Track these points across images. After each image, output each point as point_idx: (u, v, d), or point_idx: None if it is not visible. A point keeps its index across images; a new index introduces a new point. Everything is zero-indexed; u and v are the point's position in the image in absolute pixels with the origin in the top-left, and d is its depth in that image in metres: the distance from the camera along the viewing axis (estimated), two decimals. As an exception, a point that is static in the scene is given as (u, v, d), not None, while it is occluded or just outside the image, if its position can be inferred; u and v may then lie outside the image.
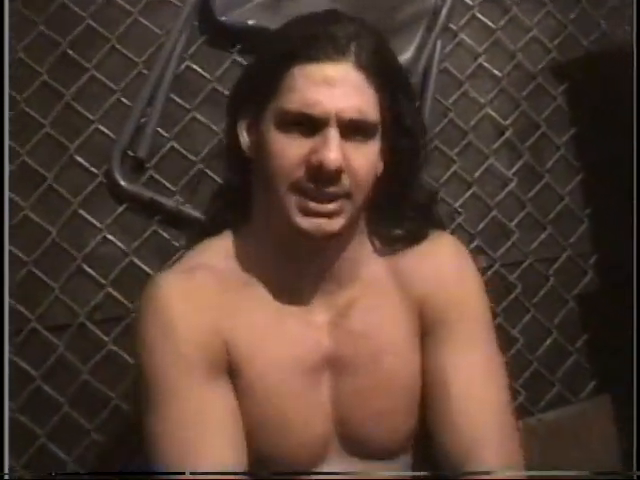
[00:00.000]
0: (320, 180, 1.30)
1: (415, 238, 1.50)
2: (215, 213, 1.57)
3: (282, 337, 1.42)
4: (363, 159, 1.34)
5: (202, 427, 1.34)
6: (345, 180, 1.32)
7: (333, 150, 1.28)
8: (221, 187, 1.62)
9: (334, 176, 1.30)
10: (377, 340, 1.45)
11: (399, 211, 1.50)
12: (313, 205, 1.32)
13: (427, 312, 1.48)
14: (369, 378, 1.44)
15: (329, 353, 1.44)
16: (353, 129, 1.32)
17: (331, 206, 1.32)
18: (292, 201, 1.32)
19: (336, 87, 1.31)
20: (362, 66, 1.32)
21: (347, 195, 1.33)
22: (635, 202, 1.53)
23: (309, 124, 1.31)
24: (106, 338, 2.00)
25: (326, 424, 1.44)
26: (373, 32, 1.39)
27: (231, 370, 1.40)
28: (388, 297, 1.48)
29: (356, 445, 1.46)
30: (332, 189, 1.31)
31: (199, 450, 1.33)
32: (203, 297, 1.41)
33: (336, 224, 1.33)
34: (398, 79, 1.41)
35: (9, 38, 1.85)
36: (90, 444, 1.98)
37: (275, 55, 1.37)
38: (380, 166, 1.42)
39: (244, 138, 1.43)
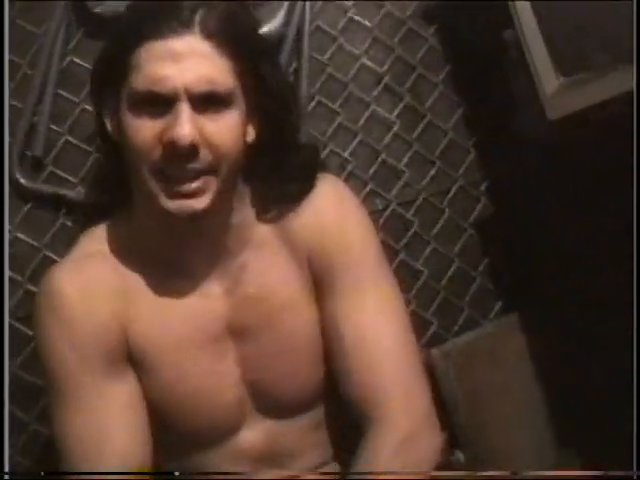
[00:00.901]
0: (177, 158, 1.30)
1: (299, 197, 1.51)
2: (97, 199, 1.59)
3: (180, 313, 1.45)
4: (222, 130, 1.33)
5: (103, 423, 1.38)
6: (205, 155, 1.32)
7: (184, 125, 1.28)
8: (99, 172, 1.66)
9: (190, 152, 1.30)
10: (273, 301, 1.48)
11: (282, 173, 1.50)
12: (176, 186, 1.32)
13: (314, 264, 1.50)
14: (271, 340, 1.48)
15: (229, 321, 1.47)
16: (206, 101, 1.31)
17: (194, 185, 1.32)
18: (155, 184, 1.33)
19: (182, 61, 1.30)
20: (210, 36, 1.31)
21: (211, 170, 1.33)
22: (635, 186, 1.60)
23: (159, 102, 1.31)
24: (31, 333, 2.01)
25: (237, 390, 1.49)
26: (223, 1, 1.38)
27: (133, 354, 1.44)
28: (278, 257, 1.50)
29: (270, 405, 1.51)
30: (192, 165, 1.31)
31: (101, 448, 1.37)
32: (96, 286, 1.43)
33: (202, 202, 1.34)
34: (253, 43, 1.40)
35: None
36: (31, 435, 2.06)
37: (122, 36, 1.36)
38: (251, 132, 1.43)
39: (109, 124, 1.42)
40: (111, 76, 1.38)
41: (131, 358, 1.45)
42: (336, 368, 1.49)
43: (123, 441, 1.39)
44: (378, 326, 1.48)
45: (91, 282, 1.44)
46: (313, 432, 1.56)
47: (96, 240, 1.51)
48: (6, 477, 1.71)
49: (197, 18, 1.31)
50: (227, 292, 1.49)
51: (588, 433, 2.27)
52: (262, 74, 1.41)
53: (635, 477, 1.23)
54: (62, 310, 1.42)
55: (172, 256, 1.47)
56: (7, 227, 1.85)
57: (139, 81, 1.32)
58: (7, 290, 1.73)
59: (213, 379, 1.48)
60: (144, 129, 1.32)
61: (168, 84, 1.30)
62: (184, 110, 1.30)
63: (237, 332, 1.49)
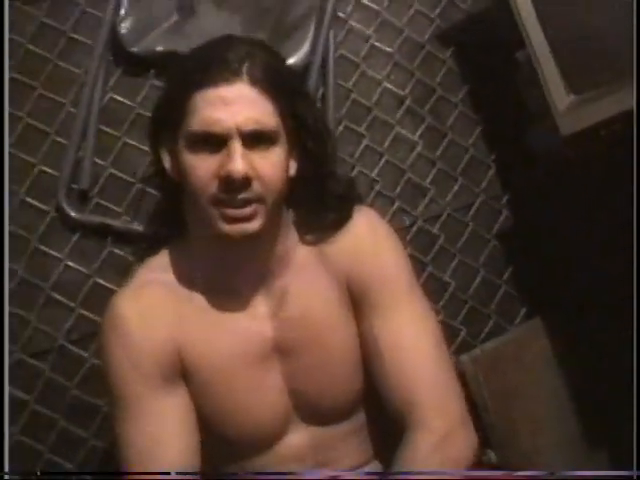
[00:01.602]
0: (232, 189, 1.44)
1: (338, 224, 1.64)
2: (155, 231, 1.71)
3: (229, 333, 1.58)
4: (269, 164, 1.47)
5: (158, 434, 1.51)
6: (256, 186, 1.45)
7: (237, 161, 1.42)
8: (157, 207, 1.77)
9: (243, 184, 1.43)
10: (313, 321, 1.60)
11: (322, 202, 1.63)
12: (231, 212, 1.46)
13: (352, 287, 1.62)
14: (313, 356, 1.59)
15: (274, 339, 1.59)
16: (255, 139, 1.45)
17: (246, 210, 1.46)
18: (214, 212, 1.46)
19: (233, 105, 1.44)
20: (255, 83, 1.45)
21: (259, 199, 1.46)
22: (635, 191, 1.68)
23: (214, 141, 1.45)
24: (85, 354, 2.16)
25: (282, 402, 1.60)
26: (264, 49, 1.54)
27: (186, 373, 1.56)
28: (318, 279, 1.62)
29: (312, 415, 1.63)
30: (244, 195, 1.45)
31: (155, 455, 1.49)
32: (154, 311, 1.56)
33: (254, 225, 1.47)
34: (292, 87, 1.55)
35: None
36: (90, 451, 2.15)
37: (178, 85, 1.52)
38: (293, 166, 1.56)
39: (167, 163, 1.56)
40: (169, 120, 1.52)
41: (185, 375, 1.57)
42: (376, 377, 1.60)
43: (175, 449, 1.51)
44: (413, 337, 1.60)
45: (148, 307, 1.57)
46: (353, 436, 1.67)
47: (153, 269, 1.64)
48: (6, 477, 1.77)
49: (244, 68, 1.46)
50: (272, 312, 1.61)
51: (615, 431, 2.36)
52: (301, 114, 1.55)
53: (635, 477, 1.25)
54: (123, 332, 1.55)
55: (222, 280, 1.60)
56: (7, 229, 1.93)
57: (196, 123, 1.46)
58: (7, 290, 1.81)
59: (260, 393, 1.60)
60: (202, 165, 1.47)
61: (221, 125, 1.44)
62: (237, 147, 1.44)
63: (282, 349, 1.61)
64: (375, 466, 1.69)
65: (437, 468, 1.47)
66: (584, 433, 2.39)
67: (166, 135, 1.55)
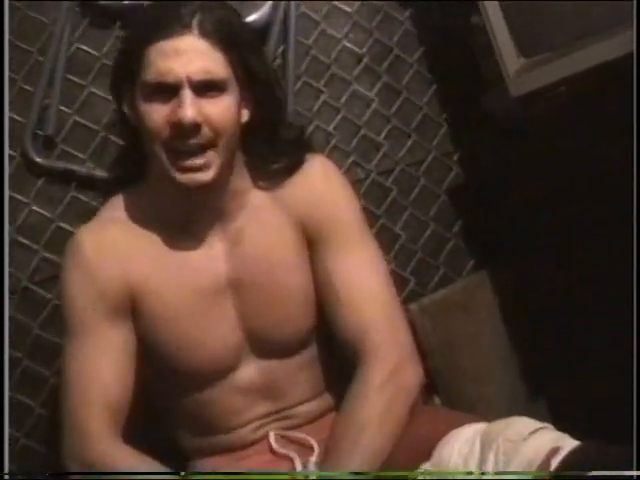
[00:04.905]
0: (182, 135, 1.54)
1: (290, 170, 1.75)
2: (117, 174, 1.83)
3: (183, 270, 1.68)
4: (218, 110, 1.57)
5: (96, 359, 1.64)
6: (205, 131, 1.56)
7: (187, 108, 1.53)
8: (119, 152, 1.88)
9: (192, 129, 1.54)
10: (269, 260, 1.70)
11: (273, 148, 1.74)
12: (185, 162, 1.56)
13: (308, 229, 1.73)
14: (266, 292, 1.70)
15: (228, 276, 1.69)
16: (205, 88, 1.56)
17: (200, 160, 1.57)
18: (167, 158, 1.57)
19: (184, 56, 1.55)
20: (206, 35, 1.56)
21: (211, 144, 1.57)
22: (635, 182, 1.75)
23: (167, 90, 1.56)
24: (48, 296, 2.22)
25: (234, 336, 1.71)
26: (218, 5, 1.65)
27: (138, 308, 1.67)
28: (274, 222, 1.72)
29: (263, 349, 1.73)
30: (194, 141, 1.55)
31: (90, 377, 1.63)
32: (110, 247, 1.68)
33: (207, 175, 1.58)
34: (243, 40, 1.64)
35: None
36: (51, 388, 2.18)
37: (135, 38, 1.62)
38: (245, 113, 1.67)
39: (127, 110, 1.66)
40: (127, 71, 1.62)
41: (136, 310, 1.69)
42: (330, 312, 1.72)
43: (109, 375, 1.64)
44: (365, 275, 1.73)
45: (105, 243, 1.69)
46: (303, 371, 1.77)
47: (114, 208, 1.75)
48: (6, 477, 1.78)
49: (195, 21, 1.56)
50: (227, 251, 1.71)
51: (556, 387, 2.47)
52: (251, 65, 1.65)
53: (635, 477, 1.24)
54: (79, 264, 1.68)
55: (179, 220, 1.70)
56: (7, 228, 1.96)
57: (150, 74, 1.57)
58: (7, 291, 1.81)
59: (212, 327, 1.70)
60: (155, 113, 1.57)
61: (173, 74, 1.55)
62: (187, 95, 1.55)
63: (236, 285, 1.71)
64: (325, 399, 1.80)
65: (390, 396, 1.59)
66: (524, 383, 2.50)
67: (125, 85, 1.65)
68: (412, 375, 1.68)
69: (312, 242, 1.75)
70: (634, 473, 1.24)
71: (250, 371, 1.74)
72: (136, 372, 1.70)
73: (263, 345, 1.74)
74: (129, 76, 1.62)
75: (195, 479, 1.60)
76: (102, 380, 1.64)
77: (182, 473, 1.51)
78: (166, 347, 1.70)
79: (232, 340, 1.72)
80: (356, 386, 1.63)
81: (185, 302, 1.69)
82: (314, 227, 1.74)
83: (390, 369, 1.63)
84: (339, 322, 1.71)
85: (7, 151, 1.97)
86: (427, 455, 1.51)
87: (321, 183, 1.77)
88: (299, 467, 1.67)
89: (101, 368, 1.64)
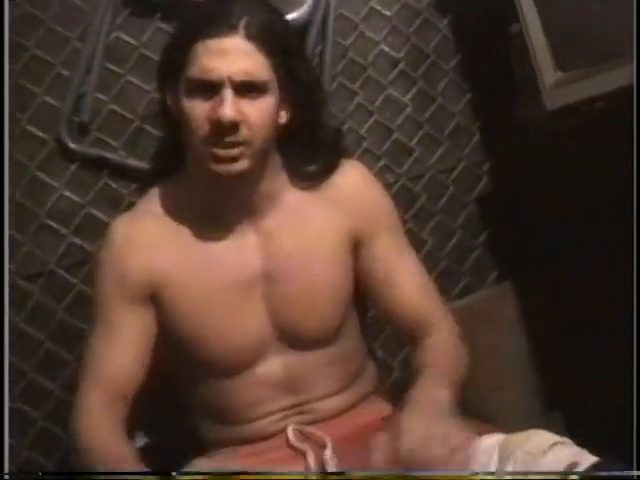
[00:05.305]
0: (221, 132, 1.58)
1: (327, 172, 1.79)
2: (156, 166, 1.89)
3: (213, 262, 1.72)
4: (257, 111, 1.61)
5: (111, 340, 1.70)
6: (243, 130, 1.60)
7: (227, 107, 1.57)
8: (160, 144, 1.95)
9: (231, 128, 1.58)
10: (302, 255, 1.74)
11: (310, 150, 1.79)
12: (220, 152, 1.60)
13: (356, 229, 1.79)
14: (297, 286, 1.74)
15: (260, 270, 1.73)
16: (245, 88, 1.60)
17: (233, 152, 1.60)
18: (205, 151, 1.61)
19: (228, 56, 1.59)
20: (251, 37, 1.60)
21: (245, 142, 1.61)
22: (635, 184, 1.77)
23: (209, 88, 1.60)
24: (74, 280, 2.24)
25: (261, 328, 1.74)
26: (265, 7, 1.69)
27: (161, 296, 1.72)
28: (311, 220, 1.77)
29: (290, 342, 1.75)
30: (231, 138, 1.59)
31: (102, 356, 1.70)
32: (140, 237, 1.73)
33: (239, 166, 1.62)
34: (287, 44, 1.68)
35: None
36: (72, 371, 2.17)
37: (182, 36, 1.67)
38: (283, 115, 1.71)
39: (170, 103, 1.70)
40: (173, 66, 1.66)
41: (160, 296, 1.73)
42: (382, 295, 1.82)
43: (118, 359, 1.70)
44: (418, 271, 1.86)
45: (135, 233, 1.75)
46: (327, 366, 1.80)
47: (150, 200, 1.79)
48: (6, 477, 1.81)
49: (242, 23, 1.60)
50: (261, 245, 1.75)
51: (574, 401, 2.46)
52: (293, 69, 1.69)
53: (635, 477, 1.27)
54: (108, 251, 1.75)
55: (213, 213, 1.74)
56: (7, 227, 1.94)
57: (194, 70, 1.61)
58: (7, 292, 1.86)
59: (239, 315, 1.73)
60: (196, 109, 1.61)
61: (216, 73, 1.59)
62: (228, 94, 1.59)
63: (267, 278, 1.74)
64: (348, 396, 1.82)
65: (462, 352, 1.78)
66: (542, 396, 2.51)
67: (170, 78, 1.69)
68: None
69: (361, 239, 1.81)
70: (634, 473, 1.26)
71: (275, 364, 1.77)
72: (158, 360, 1.75)
73: (290, 338, 1.77)
74: (175, 70, 1.66)
75: (186, 479, 1.59)
76: (112, 362, 1.69)
77: (173, 473, 1.53)
78: (191, 336, 1.73)
79: (259, 332, 1.75)
80: (430, 355, 1.74)
81: (213, 293, 1.72)
82: (362, 224, 1.80)
83: (456, 337, 1.80)
84: (394, 303, 1.80)
85: (7, 150, 1.95)
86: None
87: (361, 183, 1.84)
88: (312, 463, 1.69)
89: (113, 350, 1.70)
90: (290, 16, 2.32)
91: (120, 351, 1.70)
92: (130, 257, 1.72)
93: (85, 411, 1.69)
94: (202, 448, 1.86)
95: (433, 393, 1.60)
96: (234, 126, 1.59)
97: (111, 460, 1.60)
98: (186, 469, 1.67)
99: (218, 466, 1.65)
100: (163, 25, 2.32)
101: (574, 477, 1.27)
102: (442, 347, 1.74)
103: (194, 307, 1.72)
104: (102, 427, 1.67)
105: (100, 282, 1.75)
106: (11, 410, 2.01)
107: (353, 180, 1.82)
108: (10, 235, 2.18)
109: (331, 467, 1.66)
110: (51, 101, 2.25)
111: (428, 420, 1.53)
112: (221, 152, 1.61)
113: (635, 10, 1.82)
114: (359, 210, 1.80)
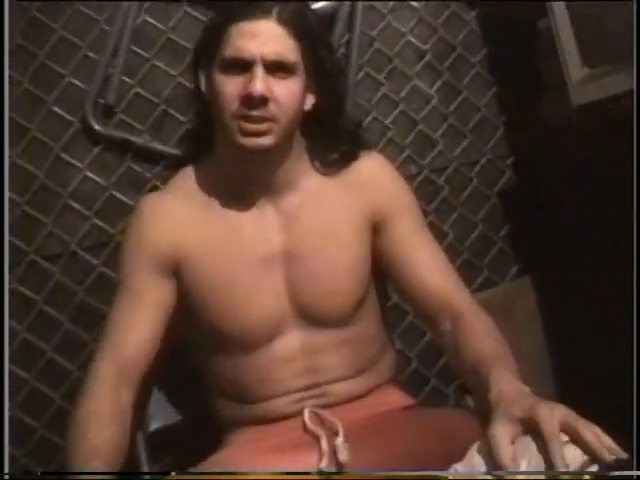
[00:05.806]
0: (250, 106, 1.63)
1: (348, 158, 1.82)
2: (187, 147, 1.91)
3: (236, 237, 1.75)
4: (285, 90, 1.66)
5: (129, 310, 1.73)
6: (271, 106, 1.64)
7: (258, 83, 1.62)
8: (189, 128, 1.99)
9: (260, 102, 1.63)
10: (323, 234, 1.76)
11: (331, 138, 1.83)
12: (249, 126, 1.65)
13: (377, 213, 1.80)
14: (317, 264, 1.76)
15: (281, 247, 1.76)
16: (275, 68, 1.65)
17: (262, 127, 1.65)
18: (234, 125, 1.66)
19: (260, 37, 1.65)
20: (282, 22, 1.66)
21: (273, 118, 1.65)
22: (635, 183, 1.78)
23: (241, 66, 1.65)
24: (95, 262, 2.27)
25: (280, 304, 1.75)
26: None
27: (183, 269, 1.75)
28: (332, 202, 1.79)
29: (308, 319, 1.76)
30: (260, 113, 1.64)
31: (119, 325, 1.72)
32: (165, 212, 1.77)
33: (266, 141, 1.66)
34: (315, 32, 1.73)
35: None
36: (90, 353, 2.21)
37: (219, 19, 1.72)
38: (309, 100, 1.76)
39: (203, 84, 1.75)
40: (209, 47, 1.72)
41: (182, 269, 1.75)
42: (407, 276, 1.80)
43: (134, 330, 1.71)
44: (439, 254, 1.85)
45: (161, 208, 1.78)
46: (344, 347, 1.80)
47: (180, 179, 1.83)
48: (6, 477, 1.81)
49: (275, 9, 1.67)
50: (282, 223, 1.77)
51: (589, 394, 2.46)
52: (319, 56, 1.74)
53: (635, 477, 1.22)
54: (135, 224, 1.78)
55: (238, 190, 1.77)
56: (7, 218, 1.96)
57: (229, 50, 1.66)
58: (7, 294, 1.84)
59: (258, 291, 1.75)
60: (229, 85, 1.66)
61: (249, 52, 1.64)
62: (259, 72, 1.64)
63: (287, 255, 1.76)
64: (365, 379, 1.83)
65: (499, 337, 1.68)
66: (558, 390, 2.50)
67: (205, 60, 1.74)
68: None
69: (383, 224, 1.82)
70: (634, 473, 1.23)
71: (293, 340, 1.78)
72: (177, 335, 1.79)
73: (308, 316, 1.78)
74: (210, 51, 1.71)
75: (186, 479, 1.58)
76: (127, 332, 1.71)
77: (172, 473, 1.49)
78: (212, 309, 1.75)
79: (277, 308, 1.76)
80: (464, 335, 1.69)
81: (233, 268, 1.75)
82: (382, 210, 1.82)
83: (486, 317, 1.73)
84: (419, 283, 1.78)
85: (7, 149, 1.97)
86: (460, 456, 1.51)
87: (380, 171, 1.86)
88: (325, 447, 1.68)
89: (130, 320, 1.72)
90: (319, 4, 2.36)
91: (138, 323, 1.72)
92: (157, 229, 1.76)
93: (92, 377, 1.68)
94: (214, 433, 1.86)
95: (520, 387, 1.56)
96: (263, 101, 1.64)
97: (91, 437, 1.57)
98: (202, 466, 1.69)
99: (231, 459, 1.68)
100: (190, 10, 2.35)
101: (586, 477, 1.26)
102: (491, 334, 1.70)
103: (216, 281, 1.75)
104: (105, 396, 1.65)
105: (123, 253, 1.78)
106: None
107: (372, 168, 1.85)
108: (32, 215, 2.24)
109: (342, 454, 1.66)
110: (77, 83, 2.28)
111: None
112: (249, 126, 1.66)
113: (635, 14, 1.82)
114: (378, 195, 1.82)
